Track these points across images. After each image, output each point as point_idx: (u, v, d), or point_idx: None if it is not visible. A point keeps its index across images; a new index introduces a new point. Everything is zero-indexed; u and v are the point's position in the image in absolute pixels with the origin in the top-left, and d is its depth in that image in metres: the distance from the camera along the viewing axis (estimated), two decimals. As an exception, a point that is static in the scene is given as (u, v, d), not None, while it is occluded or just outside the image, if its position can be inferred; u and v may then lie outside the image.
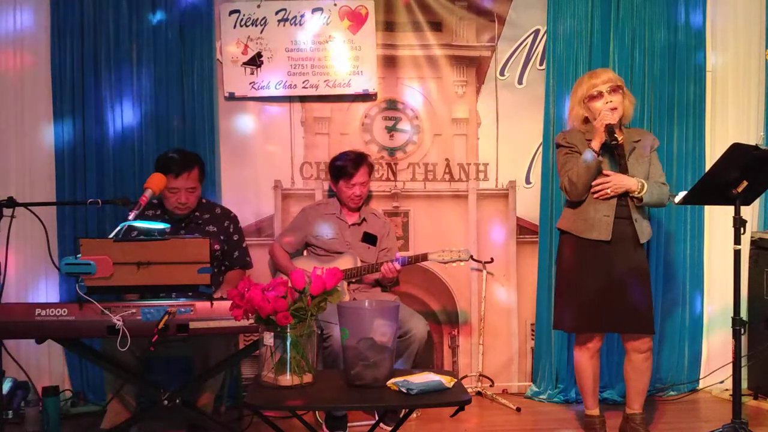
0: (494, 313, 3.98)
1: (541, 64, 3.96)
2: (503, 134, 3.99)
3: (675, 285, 3.96)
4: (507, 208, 4.02)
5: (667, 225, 3.94)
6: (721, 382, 3.93)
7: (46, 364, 3.74)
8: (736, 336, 2.90)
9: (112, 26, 3.71)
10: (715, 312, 4.02)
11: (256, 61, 3.83)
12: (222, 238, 3.38)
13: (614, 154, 3.04)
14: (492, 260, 3.92)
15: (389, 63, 3.94)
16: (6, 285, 2.66)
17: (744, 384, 3.71)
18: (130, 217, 2.63)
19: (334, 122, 3.94)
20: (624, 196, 3.03)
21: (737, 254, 2.92)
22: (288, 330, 2.19)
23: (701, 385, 4.01)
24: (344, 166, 3.58)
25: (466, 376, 3.94)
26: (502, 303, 4.01)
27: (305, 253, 3.74)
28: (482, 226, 4.01)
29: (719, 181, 2.87)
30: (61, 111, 3.70)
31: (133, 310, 2.52)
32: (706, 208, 3.97)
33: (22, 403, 3.43)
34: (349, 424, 3.32)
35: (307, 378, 2.25)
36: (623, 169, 3.04)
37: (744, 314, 3.63)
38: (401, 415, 2.68)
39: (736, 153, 2.79)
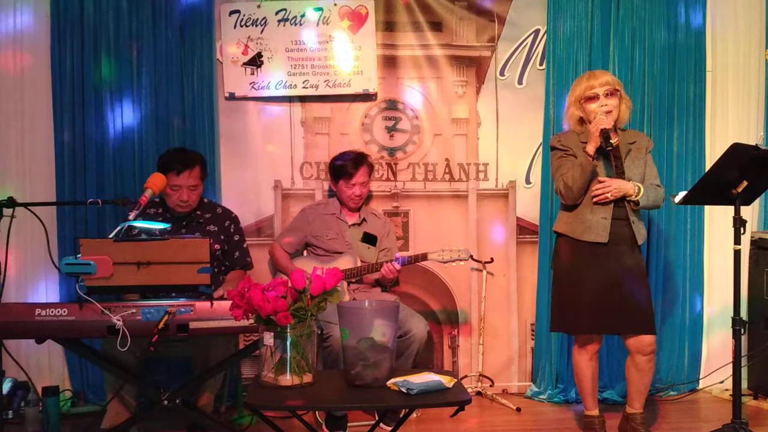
0: (494, 313, 3.98)
1: (541, 64, 3.96)
2: (503, 134, 3.99)
3: (675, 285, 3.96)
4: (507, 208, 4.02)
5: (666, 225, 3.94)
6: (721, 382, 3.93)
7: (46, 364, 3.74)
8: (736, 336, 2.90)
9: (112, 26, 3.71)
10: (715, 312, 4.02)
11: (256, 61, 3.83)
12: (222, 237, 3.39)
13: (610, 157, 3.05)
14: (492, 260, 3.92)
15: (389, 63, 3.94)
16: (6, 285, 2.66)
17: (744, 384, 3.71)
18: (130, 217, 2.63)
19: (334, 122, 3.94)
20: (621, 199, 3.04)
21: (737, 254, 2.92)
22: (288, 330, 2.19)
23: (701, 385, 4.01)
24: (344, 166, 3.59)
25: (466, 376, 3.94)
26: (502, 303, 4.01)
27: (305, 253, 3.74)
28: (482, 226, 4.01)
29: (719, 181, 2.87)
30: (61, 111, 3.70)
31: (133, 310, 2.52)
32: (706, 208, 3.97)
33: (22, 403, 3.43)
34: (349, 424, 3.31)
35: (307, 378, 2.25)
36: (620, 172, 3.05)
37: (744, 314, 3.63)
38: (401, 415, 2.68)
39: (736, 153, 2.79)
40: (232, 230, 3.43)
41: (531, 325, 4.01)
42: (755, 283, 3.83)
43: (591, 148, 2.97)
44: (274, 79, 3.84)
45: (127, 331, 2.48)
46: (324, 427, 3.32)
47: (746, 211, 3.23)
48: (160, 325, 2.48)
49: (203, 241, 2.62)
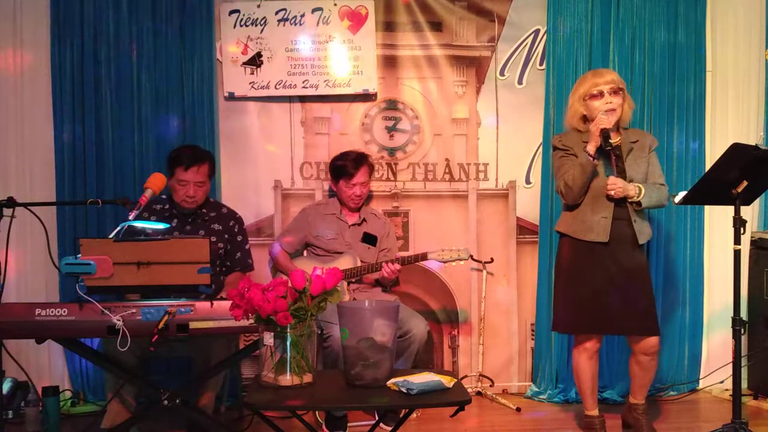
0: (494, 313, 3.98)
1: (541, 64, 3.96)
2: (503, 134, 3.99)
3: (675, 285, 3.96)
4: (507, 208, 4.02)
5: (667, 225, 3.94)
6: (721, 382, 3.93)
7: (46, 364, 3.74)
8: (736, 336, 2.90)
9: (112, 26, 3.71)
10: (715, 312, 4.02)
11: (256, 61, 3.83)
12: (226, 237, 3.40)
13: (610, 156, 3.05)
14: (492, 260, 3.92)
15: (389, 63, 3.94)
16: (6, 285, 2.65)
17: (744, 384, 3.72)
18: (130, 217, 2.63)
19: (334, 122, 3.94)
20: (623, 199, 3.04)
21: (737, 254, 2.92)
22: (288, 330, 2.19)
23: (701, 385, 4.01)
24: (345, 166, 3.58)
25: (466, 376, 3.94)
26: (502, 303, 4.01)
27: (305, 253, 3.74)
28: (482, 226, 4.01)
29: (719, 181, 2.87)
30: (61, 111, 3.70)
31: (133, 310, 2.52)
32: (706, 208, 3.97)
33: (22, 403, 3.43)
34: (349, 424, 3.32)
35: (307, 378, 2.25)
36: (620, 171, 3.05)
37: (744, 314, 3.63)
38: (401, 415, 2.68)
39: (736, 153, 2.79)
40: (236, 230, 3.44)
41: (531, 325, 4.01)
42: (755, 283, 3.83)
43: (591, 148, 2.98)
44: (273, 78, 3.84)
45: (127, 331, 2.47)
46: (324, 427, 3.32)
47: (746, 211, 3.23)
48: (160, 325, 2.48)
49: (203, 241, 2.62)
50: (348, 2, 3.84)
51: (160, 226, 3.01)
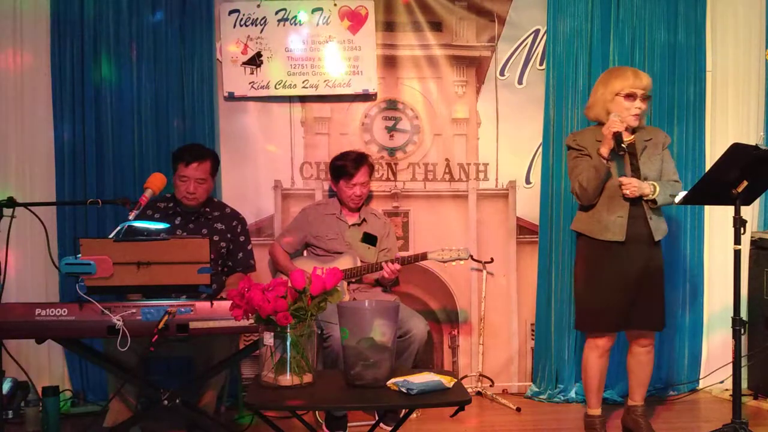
0: (494, 313, 3.98)
1: (541, 64, 3.96)
2: (503, 134, 3.99)
3: (675, 285, 3.96)
4: (507, 208, 4.02)
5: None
6: (721, 382, 3.93)
7: (46, 364, 3.74)
8: (736, 336, 2.90)
9: (112, 26, 3.71)
10: (715, 312, 4.02)
11: (255, 61, 3.83)
12: (229, 236, 3.41)
13: (624, 155, 3.05)
14: (492, 260, 3.92)
15: (389, 63, 3.94)
16: (6, 285, 2.66)
17: (744, 384, 3.71)
18: (131, 217, 2.63)
19: (334, 122, 3.94)
20: (638, 197, 3.06)
21: (737, 254, 2.92)
22: (288, 330, 2.19)
23: (701, 385, 4.01)
24: (345, 166, 3.58)
25: (466, 376, 3.94)
26: (502, 303, 4.01)
27: (305, 253, 3.74)
28: (482, 226, 4.01)
29: (719, 181, 2.87)
30: (61, 111, 3.70)
31: (133, 310, 2.52)
32: (706, 208, 3.97)
33: (22, 403, 3.43)
34: (349, 424, 3.32)
35: (307, 378, 2.24)
36: (635, 169, 3.07)
37: (744, 314, 3.63)
38: (401, 415, 2.68)
39: (736, 153, 2.79)
40: (238, 230, 3.45)
41: (531, 325, 4.01)
42: (755, 283, 3.83)
43: (605, 151, 2.99)
44: (273, 78, 3.84)
45: (127, 331, 2.47)
46: (324, 427, 3.32)
47: (746, 211, 3.23)
48: (160, 325, 2.48)
49: (203, 241, 2.62)
50: (348, 2, 3.84)
51: (161, 225, 3.00)
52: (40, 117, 3.74)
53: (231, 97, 3.85)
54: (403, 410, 2.61)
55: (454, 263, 3.52)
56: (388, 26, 3.92)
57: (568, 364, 3.85)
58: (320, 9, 3.83)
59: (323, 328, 3.19)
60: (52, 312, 2.52)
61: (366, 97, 3.92)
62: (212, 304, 2.56)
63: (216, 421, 3.07)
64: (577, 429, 3.38)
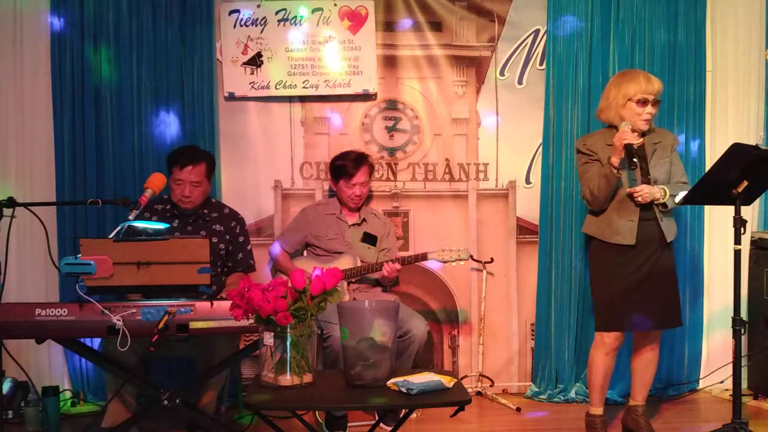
0: (494, 313, 3.98)
1: (541, 64, 3.96)
2: (503, 134, 3.99)
3: (675, 285, 3.96)
4: (507, 208, 4.01)
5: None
6: (721, 382, 3.93)
7: (46, 364, 3.74)
8: (736, 336, 2.90)
9: (112, 26, 3.71)
10: (715, 312, 4.02)
11: (256, 61, 3.83)
12: (228, 237, 3.41)
13: (632, 159, 3.05)
14: (492, 260, 3.92)
15: (389, 63, 3.94)
16: (6, 285, 2.66)
17: (744, 384, 3.71)
18: (131, 217, 2.63)
19: (334, 122, 3.94)
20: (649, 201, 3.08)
21: (737, 254, 2.92)
22: (288, 330, 2.19)
23: (701, 385, 4.01)
24: (345, 166, 3.58)
25: (466, 376, 3.94)
26: (502, 303, 4.01)
27: (305, 253, 3.74)
28: (482, 226, 4.00)
29: (719, 181, 2.87)
30: (61, 110, 3.70)
31: (133, 310, 2.52)
32: (706, 208, 3.97)
33: (22, 403, 3.43)
34: (349, 424, 3.32)
35: (307, 378, 2.25)
36: (644, 173, 3.08)
37: (744, 314, 3.63)
38: (401, 415, 2.68)
39: (736, 153, 2.79)
40: (237, 231, 3.44)
41: (531, 325, 4.01)
42: (755, 283, 3.83)
43: (615, 161, 3.00)
44: (273, 78, 3.84)
45: (127, 331, 2.47)
46: (324, 427, 3.32)
47: (746, 211, 3.23)
48: (160, 325, 2.48)
49: (203, 241, 2.62)
50: (348, 2, 3.84)
51: (161, 226, 3.00)
52: (40, 117, 3.74)
53: (231, 97, 3.85)
54: (403, 410, 2.61)
55: (454, 263, 3.52)
56: (388, 26, 3.91)
57: (568, 364, 3.85)
58: (320, 9, 3.83)
59: (323, 328, 3.19)
60: (52, 312, 2.52)
61: (366, 97, 3.92)
62: (212, 304, 2.56)
63: (216, 421, 3.06)
64: (577, 429, 3.38)
